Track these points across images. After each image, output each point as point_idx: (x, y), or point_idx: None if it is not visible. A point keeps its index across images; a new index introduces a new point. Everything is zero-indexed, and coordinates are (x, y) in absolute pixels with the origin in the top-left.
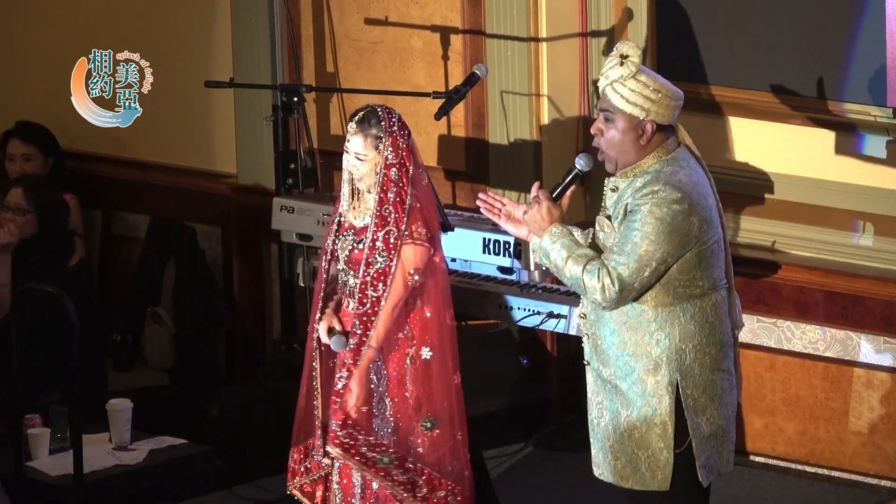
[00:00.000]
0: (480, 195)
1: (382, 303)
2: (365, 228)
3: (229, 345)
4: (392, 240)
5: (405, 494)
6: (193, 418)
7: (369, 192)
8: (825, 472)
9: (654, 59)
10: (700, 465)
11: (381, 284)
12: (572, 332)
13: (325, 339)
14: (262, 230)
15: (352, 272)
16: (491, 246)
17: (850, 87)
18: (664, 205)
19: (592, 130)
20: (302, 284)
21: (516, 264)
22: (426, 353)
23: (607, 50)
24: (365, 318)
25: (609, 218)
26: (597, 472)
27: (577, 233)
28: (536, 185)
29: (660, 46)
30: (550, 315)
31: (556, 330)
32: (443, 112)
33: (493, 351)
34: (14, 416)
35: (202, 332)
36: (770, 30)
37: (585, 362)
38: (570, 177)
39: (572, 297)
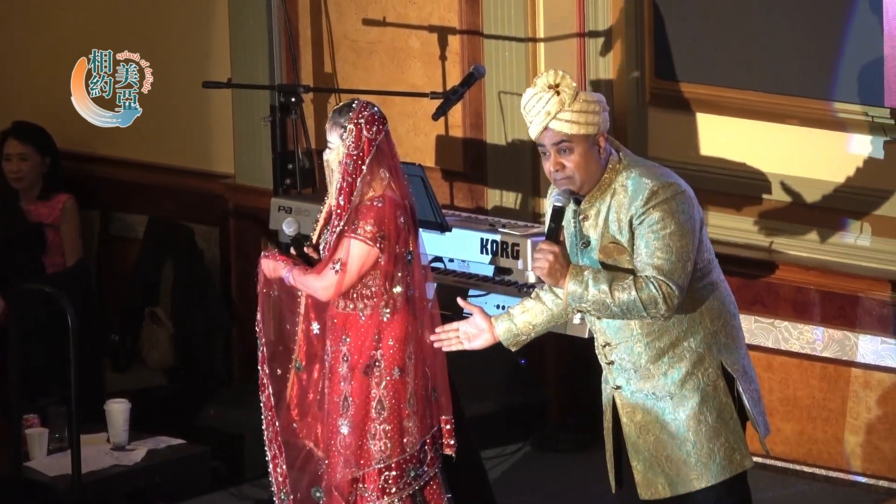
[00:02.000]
0: (432, 337)
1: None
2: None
3: (227, 345)
4: (345, 232)
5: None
6: (192, 419)
7: None
8: (823, 472)
9: (651, 60)
10: (762, 433)
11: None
12: (570, 332)
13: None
14: (259, 231)
15: None
16: (488, 246)
17: (848, 87)
18: (671, 200)
19: (552, 168)
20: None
21: (513, 265)
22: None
23: (604, 50)
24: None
25: (615, 243)
26: (646, 494)
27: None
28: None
29: (657, 47)
30: None
31: (553, 330)
32: (440, 112)
33: (491, 351)
34: (12, 416)
35: (200, 333)
36: (767, 30)
37: (615, 387)
38: (556, 216)
39: None
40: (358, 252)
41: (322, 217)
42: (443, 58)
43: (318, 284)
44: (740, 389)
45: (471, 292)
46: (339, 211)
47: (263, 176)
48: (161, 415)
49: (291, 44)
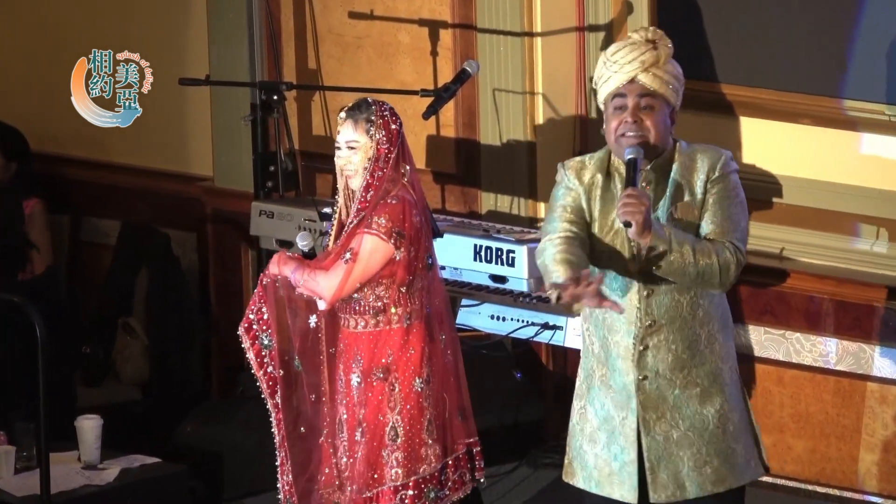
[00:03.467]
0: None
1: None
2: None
3: (205, 358)
4: (358, 229)
5: None
6: (167, 436)
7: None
8: (836, 492)
9: None
10: (763, 449)
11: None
12: (568, 344)
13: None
14: (239, 236)
15: None
16: (482, 253)
17: (861, 83)
18: (736, 173)
19: (628, 118)
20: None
21: (509, 272)
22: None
23: (605, 45)
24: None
25: (690, 203)
26: (663, 497)
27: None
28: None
29: None
30: (546, 326)
31: (551, 342)
32: (431, 111)
33: (485, 365)
34: None
35: (176, 345)
36: (775, 23)
37: (641, 378)
38: (633, 168)
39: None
40: (371, 246)
41: (334, 228)
42: (434, 53)
43: (326, 283)
44: (747, 407)
45: (463, 302)
46: (360, 207)
47: (243, 178)
48: (135, 431)
49: (273, 38)
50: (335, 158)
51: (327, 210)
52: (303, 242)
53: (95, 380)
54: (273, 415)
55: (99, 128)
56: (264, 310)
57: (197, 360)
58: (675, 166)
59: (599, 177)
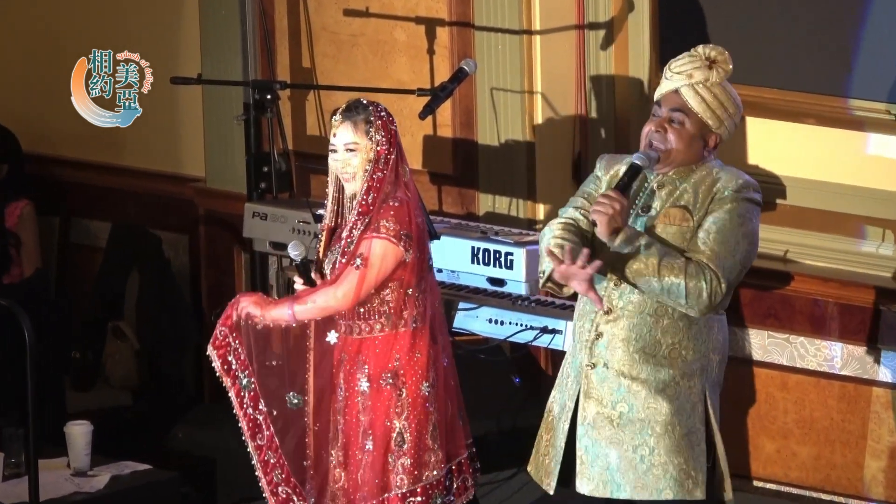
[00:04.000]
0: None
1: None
2: (350, 236)
3: (197, 362)
4: (367, 233)
5: None
6: (159, 441)
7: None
8: (842, 500)
9: (656, 54)
10: (727, 480)
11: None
12: (568, 348)
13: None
14: (232, 238)
15: None
16: (480, 256)
17: (867, 82)
18: (755, 205)
19: (653, 128)
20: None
21: (507, 275)
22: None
23: (606, 43)
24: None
25: (686, 208)
26: (585, 489)
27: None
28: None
29: (662, 40)
30: (545, 330)
31: (551, 347)
32: (428, 111)
33: (483, 369)
34: None
35: (168, 349)
36: (779, 21)
37: (589, 365)
38: (631, 174)
39: (568, 312)
40: (381, 250)
41: (324, 234)
42: (430, 51)
43: (337, 292)
44: (715, 428)
45: (461, 305)
46: (361, 210)
47: (236, 179)
48: (126, 437)
49: (266, 36)
50: (330, 161)
51: (321, 212)
52: (294, 252)
53: (85, 384)
54: (255, 457)
55: (89, 128)
56: (241, 350)
57: (189, 365)
58: (693, 179)
59: (622, 170)
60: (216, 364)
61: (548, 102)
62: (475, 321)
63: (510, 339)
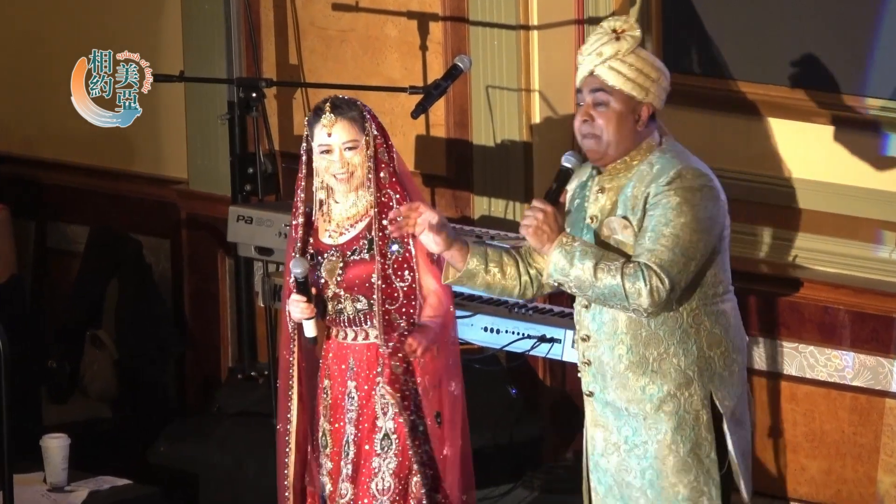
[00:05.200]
0: (391, 214)
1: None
2: (355, 238)
3: (179, 372)
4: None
5: None
6: (139, 456)
7: (357, 190)
8: None
9: (659, 51)
10: (744, 487)
11: (406, 273)
12: (567, 358)
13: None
14: (216, 243)
15: (350, 296)
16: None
17: (882, 80)
18: (696, 190)
19: (580, 117)
20: (261, 304)
21: None
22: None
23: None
24: (403, 311)
25: (625, 218)
26: None
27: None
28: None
29: (666, 36)
30: (543, 339)
31: (549, 356)
32: (421, 110)
33: (478, 380)
34: None
35: (149, 359)
36: (789, 16)
37: (587, 393)
38: (562, 177)
39: (566, 319)
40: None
41: (296, 234)
42: (423, 48)
43: (444, 297)
44: (726, 429)
45: (455, 313)
46: (391, 202)
47: (220, 181)
48: (105, 451)
49: (252, 32)
50: (321, 163)
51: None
52: (297, 270)
53: (62, 396)
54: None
55: (66, 128)
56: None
57: (170, 375)
58: (632, 177)
59: (585, 176)
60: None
61: (546, 101)
62: (470, 329)
63: (506, 349)
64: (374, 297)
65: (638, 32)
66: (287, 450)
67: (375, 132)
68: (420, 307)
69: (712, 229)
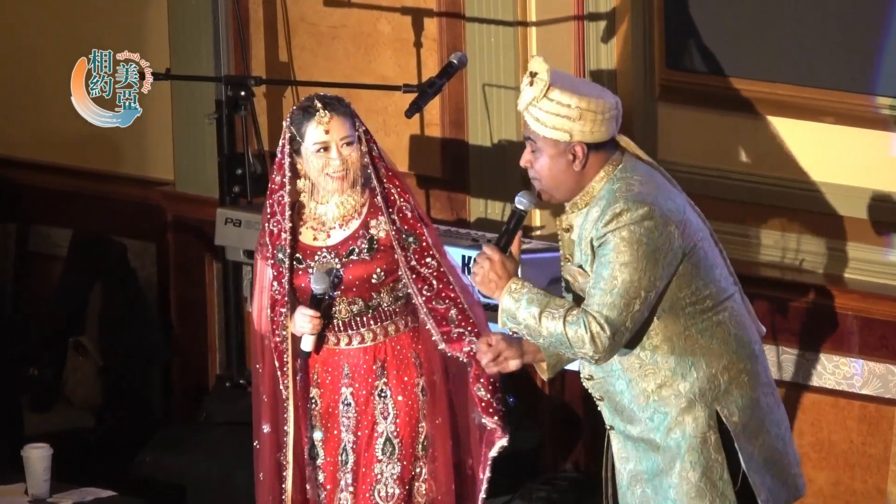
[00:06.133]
0: (485, 361)
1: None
2: (351, 238)
3: (165, 380)
4: (409, 214)
5: None
6: (124, 467)
7: (353, 186)
8: None
9: (661, 48)
10: (762, 499)
11: (429, 259)
12: (567, 366)
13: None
14: (203, 246)
15: (346, 299)
16: (471, 265)
17: (892, 78)
18: (633, 225)
19: (522, 163)
20: (250, 310)
21: None
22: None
23: (607, 36)
24: (443, 295)
25: (580, 267)
26: None
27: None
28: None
29: (668, 33)
30: None
31: None
32: (415, 109)
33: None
34: None
35: (134, 366)
36: (795, 10)
37: (608, 427)
38: (515, 220)
39: None
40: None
41: (288, 258)
42: (418, 44)
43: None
44: (738, 446)
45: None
46: (392, 197)
47: (207, 182)
48: (88, 462)
49: (240, 28)
50: (314, 161)
51: (279, 218)
52: (320, 286)
53: (44, 405)
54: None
55: (47, 127)
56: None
57: (156, 383)
58: (590, 216)
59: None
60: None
61: None
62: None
63: None
64: (373, 300)
65: (546, 76)
66: (284, 463)
67: (363, 126)
68: (464, 289)
69: (660, 260)
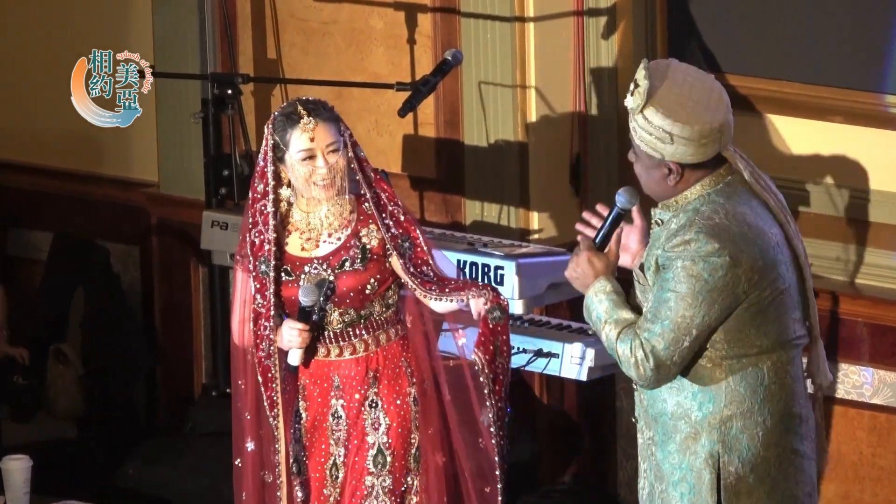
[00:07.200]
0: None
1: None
2: (343, 248)
3: (150, 389)
4: (402, 217)
5: None
6: (106, 479)
7: (340, 193)
8: None
9: (664, 46)
10: None
11: (424, 266)
12: (565, 374)
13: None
14: (189, 250)
15: (338, 309)
16: (467, 270)
17: None
18: (699, 259)
19: (629, 157)
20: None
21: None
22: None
23: (607, 32)
24: (449, 290)
25: (641, 268)
26: None
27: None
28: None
29: (671, 29)
30: (539, 354)
31: (546, 372)
32: (409, 108)
33: None
34: None
35: (117, 374)
36: (802, 8)
37: (634, 419)
38: (612, 218)
39: (565, 333)
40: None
41: (273, 271)
42: (411, 41)
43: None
44: (723, 499)
45: (445, 325)
46: (381, 200)
47: (193, 184)
48: (69, 474)
49: (227, 24)
50: (304, 170)
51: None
52: (309, 298)
53: (24, 414)
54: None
55: (27, 128)
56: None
57: (140, 392)
58: (663, 232)
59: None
60: None
61: (542, 98)
62: (456, 344)
63: None
64: (365, 309)
65: (643, 89)
66: (279, 482)
67: (349, 134)
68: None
69: (717, 301)
